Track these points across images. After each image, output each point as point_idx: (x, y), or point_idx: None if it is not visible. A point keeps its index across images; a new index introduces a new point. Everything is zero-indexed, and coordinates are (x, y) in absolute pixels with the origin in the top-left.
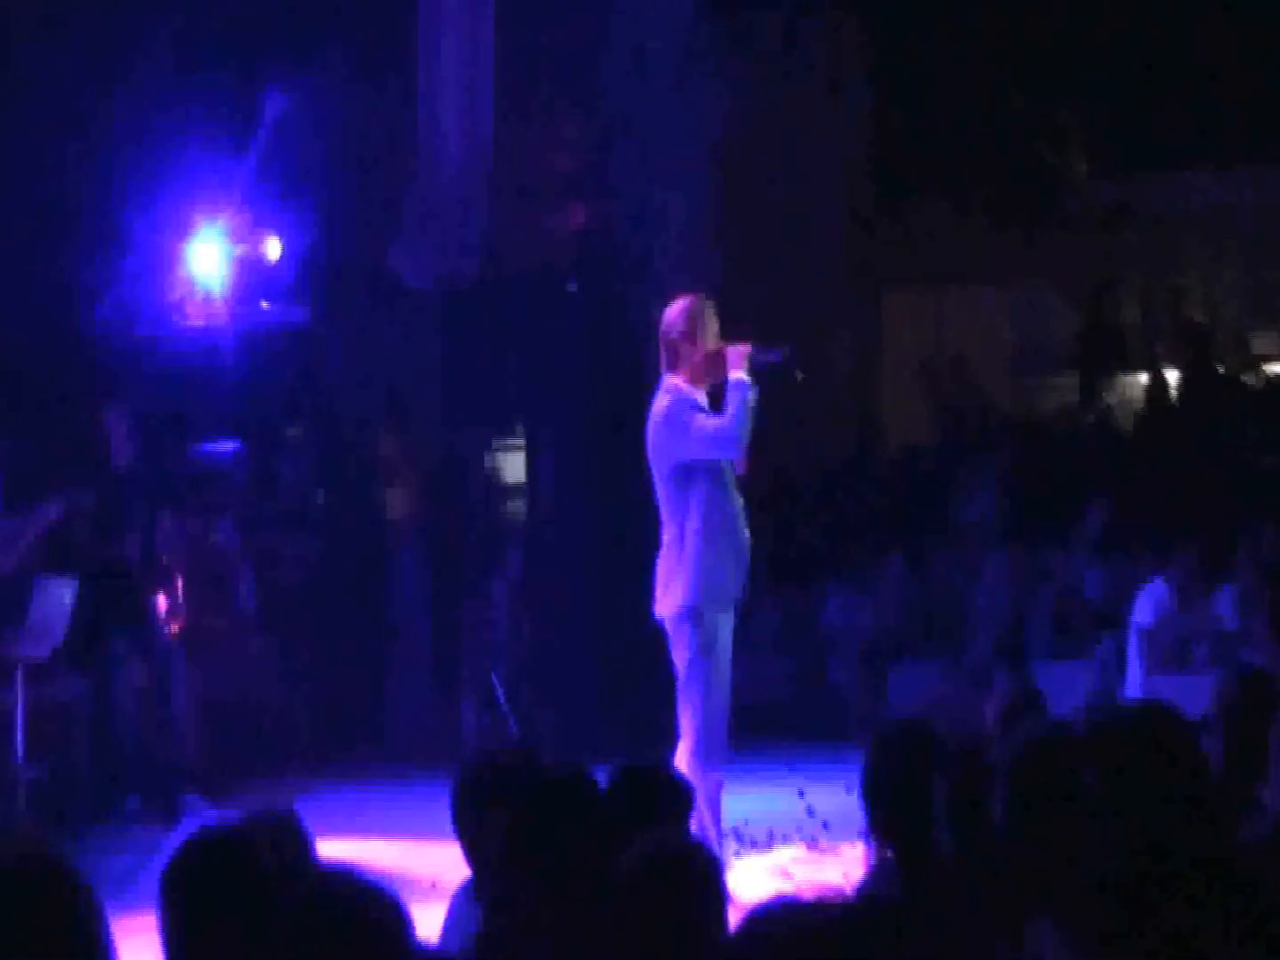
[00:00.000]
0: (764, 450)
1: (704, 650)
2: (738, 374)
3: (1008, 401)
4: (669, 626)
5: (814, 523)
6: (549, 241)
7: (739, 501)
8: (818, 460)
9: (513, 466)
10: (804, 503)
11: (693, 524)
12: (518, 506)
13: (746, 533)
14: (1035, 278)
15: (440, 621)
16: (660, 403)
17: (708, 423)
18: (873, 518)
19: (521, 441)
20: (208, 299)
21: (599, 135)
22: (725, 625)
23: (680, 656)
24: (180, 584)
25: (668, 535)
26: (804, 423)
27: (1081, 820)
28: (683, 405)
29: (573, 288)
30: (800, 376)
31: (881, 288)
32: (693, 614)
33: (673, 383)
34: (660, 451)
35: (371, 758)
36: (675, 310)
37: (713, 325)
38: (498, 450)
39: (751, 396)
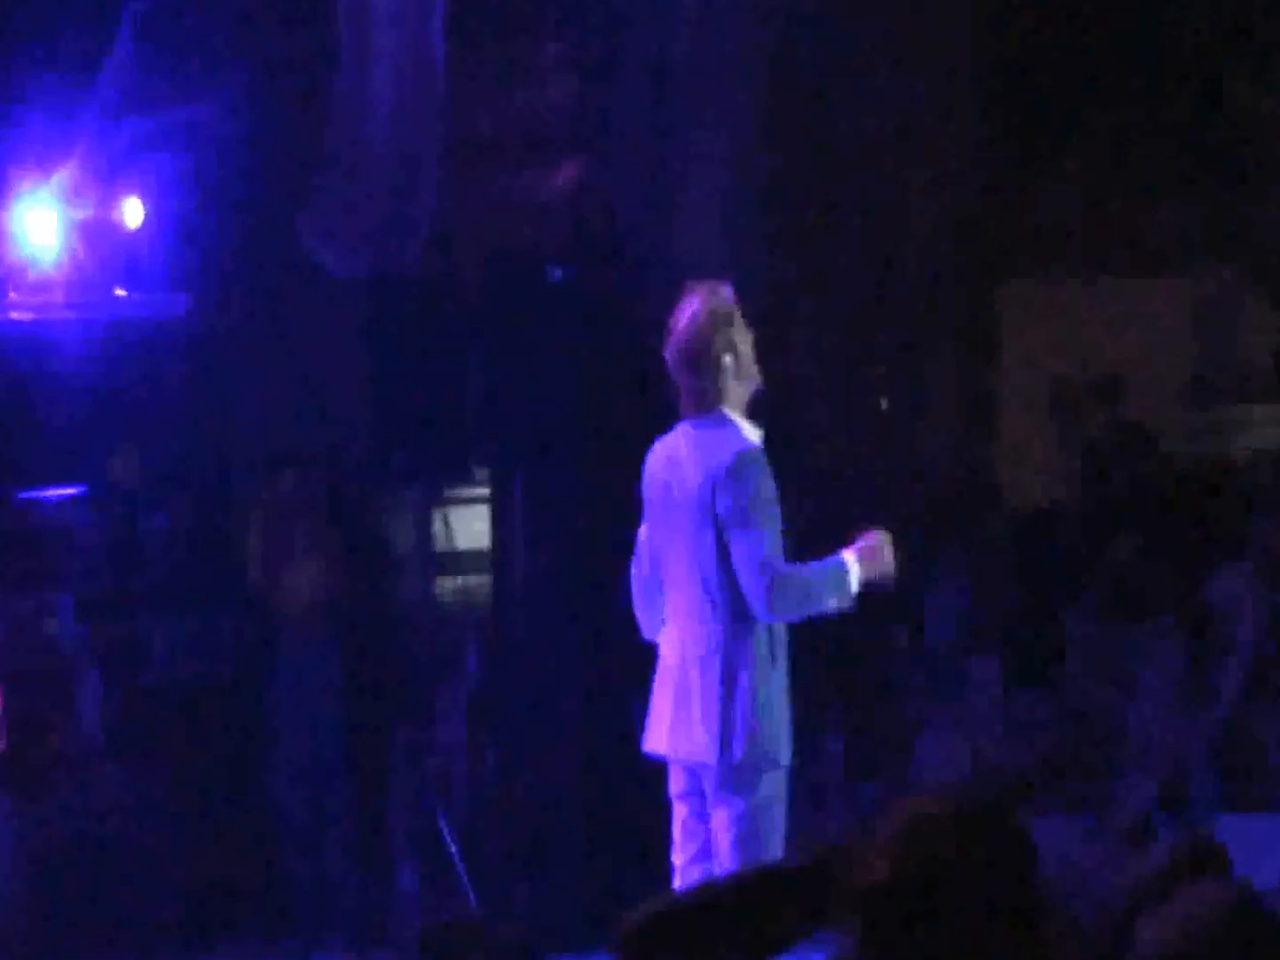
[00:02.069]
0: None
1: (756, 805)
2: (852, 558)
3: (1182, 442)
4: (693, 770)
5: (891, 616)
6: (522, 215)
7: None
8: (900, 529)
9: (470, 527)
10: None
11: (747, 652)
12: (477, 583)
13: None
14: (1221, 267)
15: (365, 745)
16: (711, 442)
17: (776, 555)
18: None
19: (484, 491)
20: (38, 282)
21: (593, 66)
22: (780, 784)
23: (717, 813)
24: None
25: (692, 638)
26: (882, 479)
27: None
28: (752, 466)
29: (557, 277)
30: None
31: (997, 282)
32: (746, 773)
33: (724, 413)
34: (700, 512)
35: (269, 935)
36: (702, 313)
37: (748, 340)
38: (449, 504)
39: (836, 601)
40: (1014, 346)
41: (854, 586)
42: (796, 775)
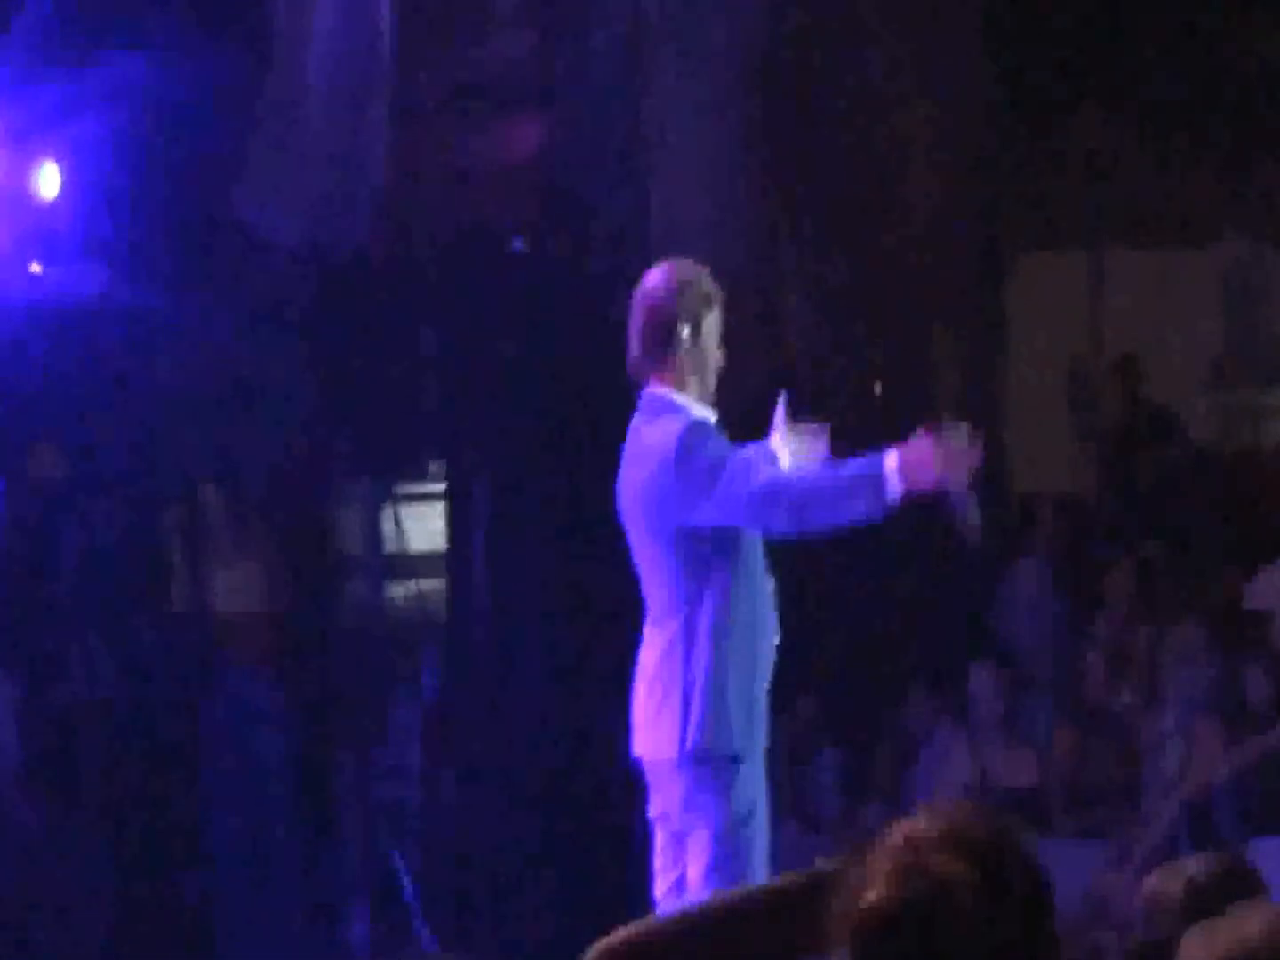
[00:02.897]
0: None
1: (729, 824)
2: (892, 461)
3: (1208, 427)
4: (662, 780)
5: (896, 618)
6: (482, 180)
7: (768, 586)
8: (903, 520)
9: (425, 529)
10: (875, 586)
11: (704, 620)
12: (433, 589)
13: (776, 628)
14: (1250, 236)
15: (307, 777)
16: (656, 431)
17: (759, 468)
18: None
19: (441, 486)
20: None
21: (556, 17)
22: (756, 780)
23: (691, 835)
24: None
25: (660, 637)
26: None
27: None
28: (701, 435)
29: (518, 248)
30: (972, 522)
31: (1011, 254)
32: (704, 761)
33: (669, 397)
34: (656, 508)
35: None
36: (656, 279)
37: (715, 319)
38: (402, 501)
39: (864, 508)
40: (1025, 324)
41: (891, 493)
42: (786, 797)
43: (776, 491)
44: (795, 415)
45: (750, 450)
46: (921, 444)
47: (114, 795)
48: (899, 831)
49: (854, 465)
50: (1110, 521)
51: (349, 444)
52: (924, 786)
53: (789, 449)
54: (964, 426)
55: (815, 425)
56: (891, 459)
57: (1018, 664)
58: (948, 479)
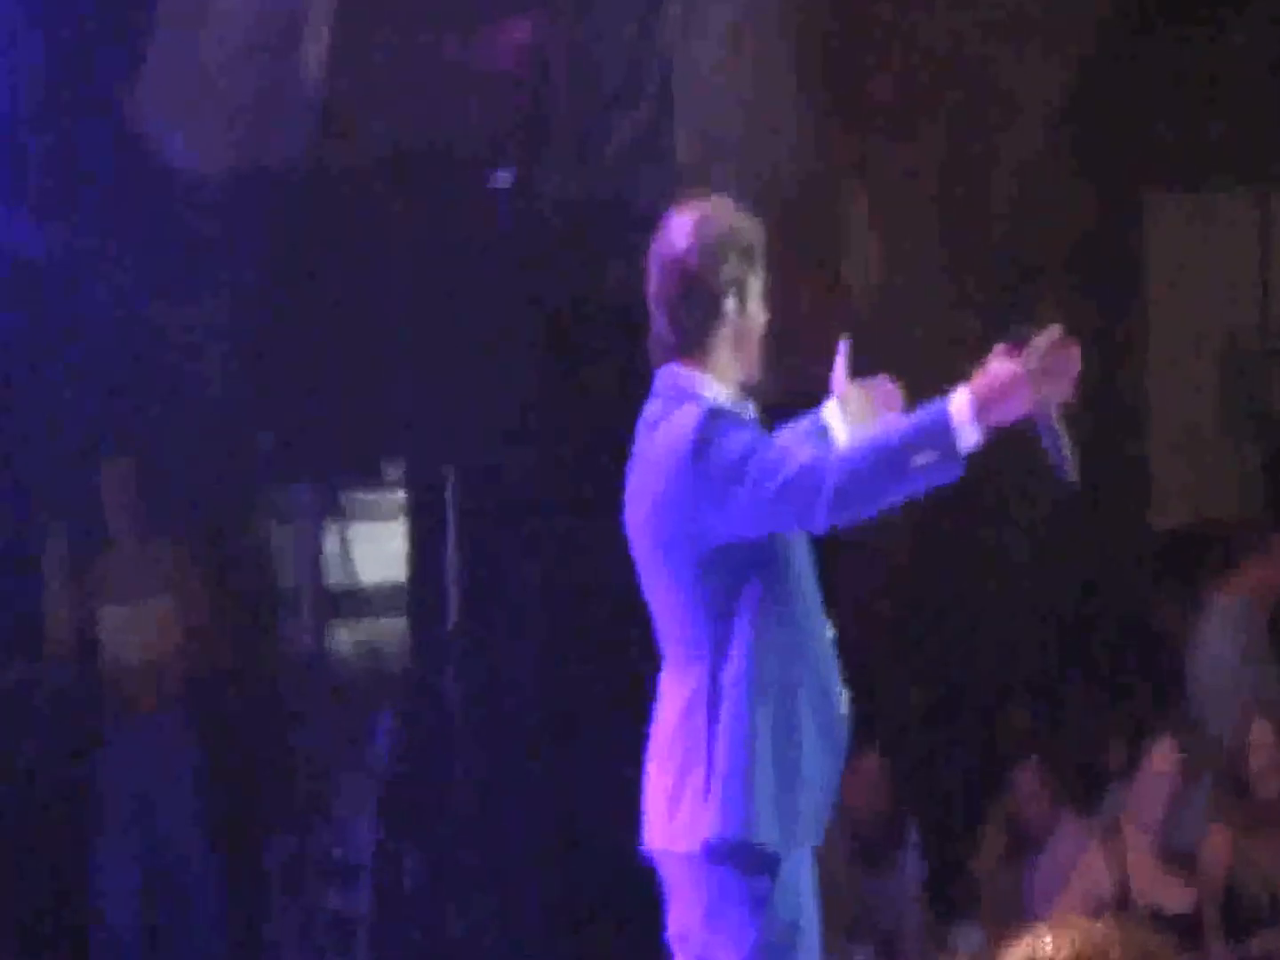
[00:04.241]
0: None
1: (765, 946)
2: (962, 400)
3: None
4: (681, 885)
5: (998, 659)
6: (454, 93)
7: (823, 625)
8: (1008, 538)
9: (380, 549)
10: (966, 627)
11: (733, 668)
12: (389, 630)
13: (841, 690)
14: None
15: (232, 861)
16: (673, 423)
17: (792, 453)
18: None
19: (399, 498)
20: None
21: None
22: (804, 887)
23: (717, 940)
24: None
25: (679, 691)
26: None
27: None
28: (722, 423)
29: (502, 182)
30: (1070, 465)
31: (1144, 196)
32: (732, 858)
33: (693, 378)
34: (671, 522)
35: None
36: (686, 233)
37: (760, 277)
38: (350, 517)
39: (937, 459)
40: (1165, 284)
41: (966, 442)
42: (848, 911)
43: (814, 476)
44: (860, 370)
45: (787, 432)
46: (1000, 369)
47: None
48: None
49: (910, 419)
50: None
51: (281, 438)
52: (1039, 898)
53: (850, 415)
54: (1053, 330)
55: (885, 381)
56: (960, 398)
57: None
58: (1040, 408)
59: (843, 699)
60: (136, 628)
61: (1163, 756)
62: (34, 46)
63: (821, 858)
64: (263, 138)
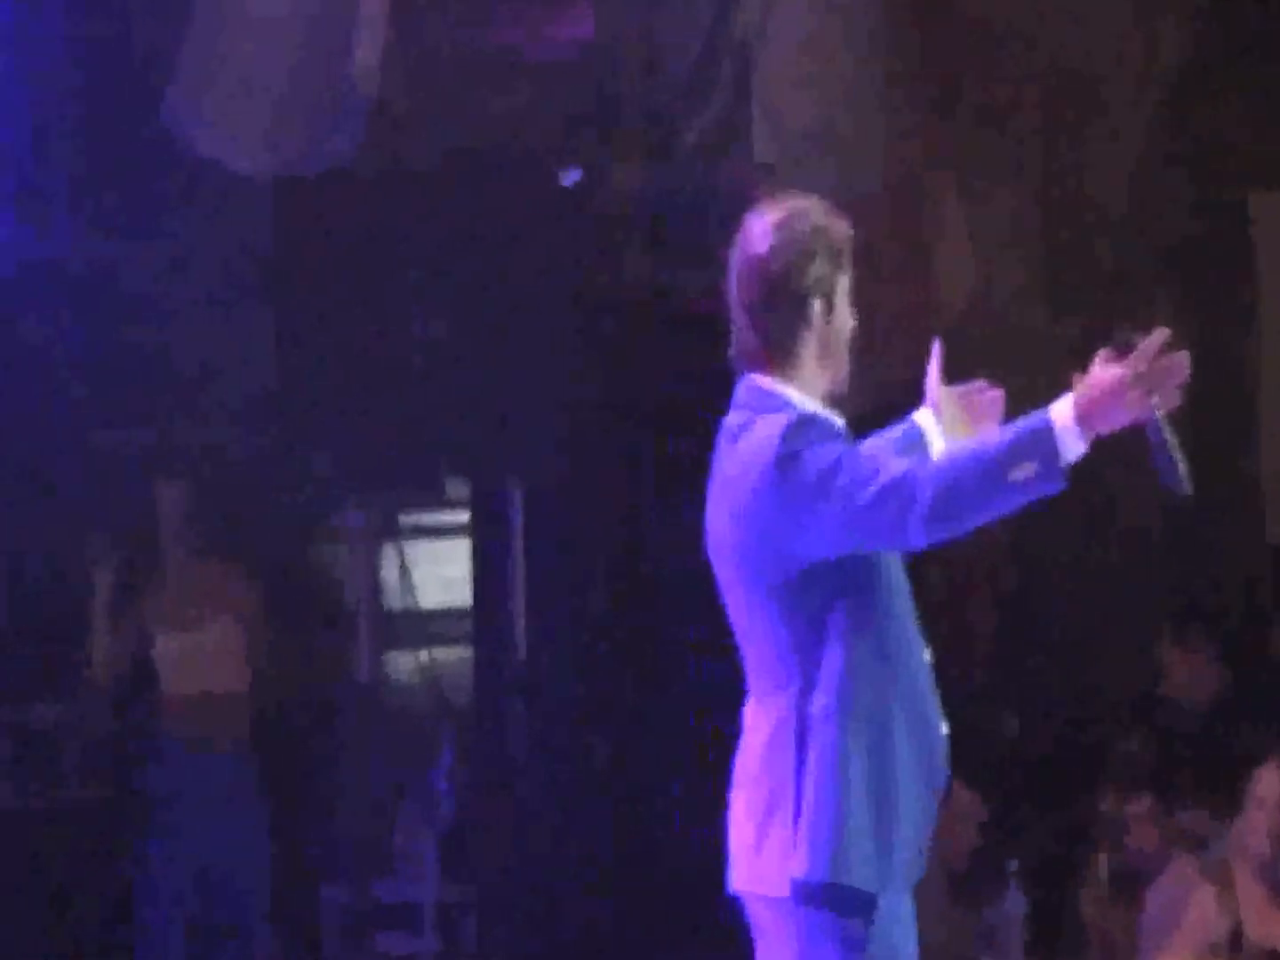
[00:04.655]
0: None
1: None
2: (1064, 409)
3: None
4: (769, 928)
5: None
6: (518, 87)
7: (920, 648)
8: (1114, 556)
9: (441, 572)
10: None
11: (824, 695)
12: (452, 659)
13: (939, 719)
14: None
15: (288, 907)
16: (754, 435)
17: (882, 463)
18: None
19: (462, 517)
20: None
21: None
22: (900, 917)
23: None
24: None
25: (766, 720)
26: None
27: None
28: (807, 432)
29: (571, 179)
30: (1186, 490)
31: (1250, 196)
32: (826, 899)
33: (775, 388)
34: (755, 540)
35: None
36: (770, 234)
37: (848, 278)
38: (408, 537)
39: (1038, 474)
40: (1273, 290)
41: (1068, 451)
42: (947, 952)
43: (907, 489)
44: (954, 376)
45: (877, 441)
46: (1104, 375)
47: (28, 930)
48: None
49: (1010, 428)
50: None
51: (335, 455)
52: (1150, 939)
53: (945, 423)
54: (1160, 334)
55: (984, 386)
56: (1062, 406)
57: None
58: (1147, 415)
59: (941, 728)
60: (193, 656)
61: (1268, 784)
62: (79, 50)
63: (918, 896)
64: (315, 138)
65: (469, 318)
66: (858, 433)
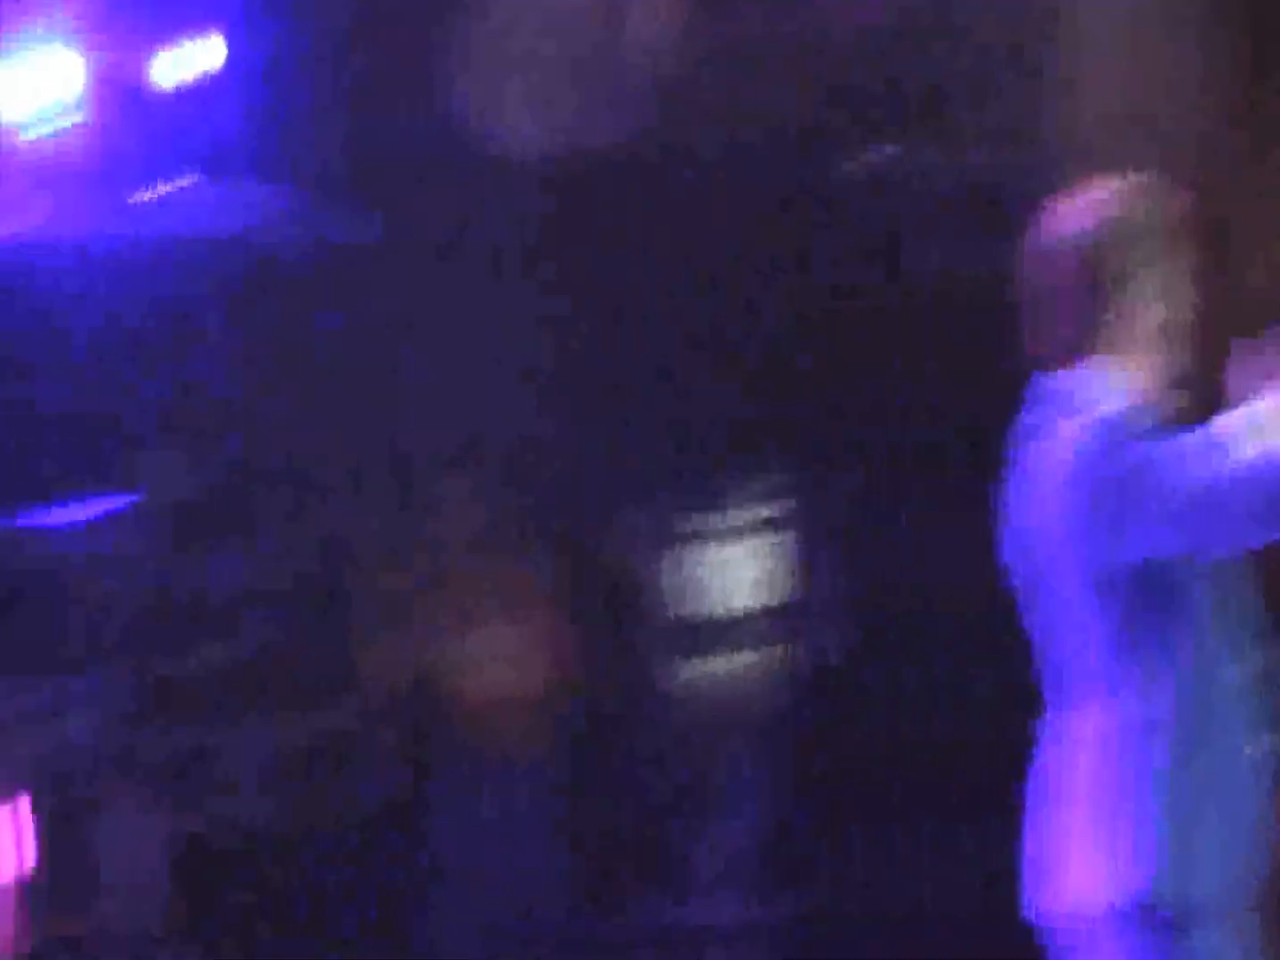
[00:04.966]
0: None
1: None
2: None
3: None
4: (1087, 946)
5: None
6: (805, 73)
7: (1255, 656)
8: None
9: (742, 574)
10: None
11: (1140, 710)
12: (760, 667)
13: (1274, 730)
14: None
15: (579, 930)
16: (1056, 440)
17: (1203, 458)
18: None
19: (765, 513)
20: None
21: None
22: (1234, 943)
23: None
24: None
25: (1085, 731)
26: None
27: None
28: (1121, 428)
29: (878, 159)
30: None
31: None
32: (1152, 921)
33: (1080, 384)
34: (1060, 545)
35: None
36: (1078, 218)
37: (1163, 265)
38: (706, 537)
39: None
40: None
41: None
42: None
43: (1232, 488)
44: None
45: (1196, 435)
46: None
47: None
48: None
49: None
50: None
51: (621, 448)
52: None
53: None
54: None
55: None
56: None
57: None
58: None
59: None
60: (478, 662)
61: None
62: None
63: (1255, 919)
64: (592, 123)
65: (765, 298)
66: (1176, 427)
